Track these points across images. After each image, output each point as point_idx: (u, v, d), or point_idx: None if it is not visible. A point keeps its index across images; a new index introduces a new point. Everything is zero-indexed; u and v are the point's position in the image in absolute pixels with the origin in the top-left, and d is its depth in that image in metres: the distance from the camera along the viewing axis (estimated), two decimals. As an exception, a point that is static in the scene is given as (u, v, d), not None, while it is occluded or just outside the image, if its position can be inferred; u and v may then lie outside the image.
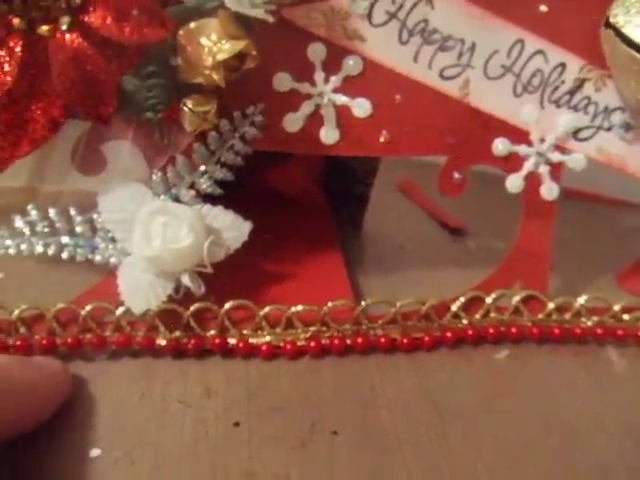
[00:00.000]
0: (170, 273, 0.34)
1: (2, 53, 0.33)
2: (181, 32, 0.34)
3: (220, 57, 0.33)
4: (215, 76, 0.33)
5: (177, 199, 0.36)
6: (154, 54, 0.34)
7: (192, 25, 0.34)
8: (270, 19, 0.33)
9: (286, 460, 0.31)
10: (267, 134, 0.36)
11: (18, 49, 0.33)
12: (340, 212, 0.43)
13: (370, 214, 0.43)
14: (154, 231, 0.34)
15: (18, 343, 0.34)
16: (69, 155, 0.36)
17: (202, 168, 0.36)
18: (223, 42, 0.33)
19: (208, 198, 0.36)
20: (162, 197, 0.36)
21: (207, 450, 0.31)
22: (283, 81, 0.36)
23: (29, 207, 0.36)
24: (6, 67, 0.33)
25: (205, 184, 0.36)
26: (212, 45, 0.33)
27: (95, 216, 0.36)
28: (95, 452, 0.31)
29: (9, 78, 0.33)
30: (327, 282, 0.37)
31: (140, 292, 0.34)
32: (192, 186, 0.36)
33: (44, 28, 0.33)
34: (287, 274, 0.38)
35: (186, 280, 0.34)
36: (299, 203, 0.41)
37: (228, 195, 0.36)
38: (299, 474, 0.30)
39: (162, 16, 0.33)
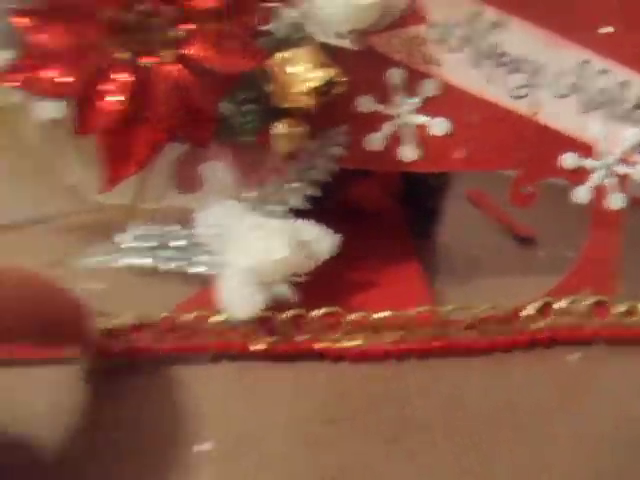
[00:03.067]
0: (266, 283, 0.37)
1: (112, 83, 0.37)
2: (273, 61, 0.37)
3: (312, 84, 0.36)
4: (307, 101, 0.36)
5: (269, 214, 0.39)
6: (248, 82, 0.37)
7: (283, 55, 0.37)
8: (354, 47, 0.36)
9: (381, 455, 0.33)
10: (351, 153, 0.39)
11: (126, 80, 0.36)
12: (413, 223, 0.46)
13: (441, 225, 0.46)
14: (252, 244, 0.37)
15: (127, 350, 0.37)
16: (168, 175, 0.39)
17: (292, 185, 0.39)
18: (314, 70, 0.36)
19: (296, 213, 0.39)
20: (255, 213, 0.38)
21: (306, 446, 0.33)
22: (366, 103, 0.39)
23: (134, 223, 0.39)
24: (116, 97, 0.36)
25: (295, 200, 0.39)
26: (304, 73, 0.36)
27: (192, 231, 0.39)
28: (205, 446, 0.34)
29: (120, 107, 0.36)
30: (408, 290, 0.40)
31: (239, 301, 0.37)
32: (283, 202, 0.39)
33: (148, 60, 0.37)
34: (369, 282, 0.40)
35: (281, 289, 0.37)
36: (375, 216, 0.44)
37: (312, 210, 0.39)
38: (394, 469, 0.33)
39: (254, 47, 0.37)
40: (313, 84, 0.35)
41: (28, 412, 0.35)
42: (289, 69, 0.36)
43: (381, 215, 0.45)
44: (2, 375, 0.37)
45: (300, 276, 0.37)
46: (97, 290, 0.41)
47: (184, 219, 0.39)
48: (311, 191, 0.39)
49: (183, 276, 0.39)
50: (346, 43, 0.36)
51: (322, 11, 0.37)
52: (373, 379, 0.37)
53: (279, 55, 0.36)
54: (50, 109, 0.37)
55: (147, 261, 0.39)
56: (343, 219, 0.39)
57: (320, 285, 0.38)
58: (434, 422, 0.35)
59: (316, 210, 0.39)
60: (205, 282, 0.39)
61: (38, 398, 0.36)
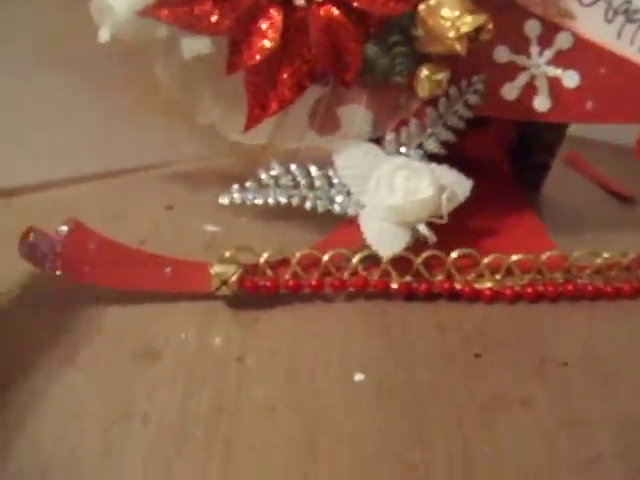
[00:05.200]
0: (408, 222, 0.38)
1: (265, 22, 0.37)
2: (422, 6, 0.38)
3: (464, 29, 0.36)
4: (457, 47, 0.37)
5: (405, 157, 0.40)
6: (395, 25, 0.38)
7: (432, 0, 0.38)
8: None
9: (527, 386, 0.34)
10: (486, 101, 0.40)
11: (279, 18, 0.37)
12: (522, 177, 0.47)
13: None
14: (397, 184, 0.38)
15: (268, 284, 0.38)
16: (306, 116, 0.40)
17: (429, 130, 0.40)
18: (464, 16, 0.37)
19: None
20: (393, 156, 0.39)
21: (457, 377, 0.34)
22: (502, 54, 0.40)
23: (272, 162, 0.40)
24: (269, 33, 0.37)
25: (432, 145, 0.40)
26: (454, 18, 0.37)
27: (331, 171, 0.40)
28: (359, 376, 0.35)
29: (272, 44, 0.37)
30: (533, 235, 0.41)
31: (385, 239, 0.38)
32: (420, 146, 0.40)
33: (300, 0, 0.37)
34: (492, 227, 0.42)
35: (423, 229, 0.38)
36: (486, 166, 0.45)
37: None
38: (542, 398, 0.34)
39: (407, -9, 0.37)
40: (464, 29, 0.36)
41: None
42: (439, 13, 0.37)
43: (492, 165, 0.46)
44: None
45: (445, 217, 0.38)
46: (238, 226, 0.42)
47: (324, 159, 0.40)
48: (448, 137, 0.40)
49: (321, 215, 0.40)
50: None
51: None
52: (509, 318, 0.38)
53: (427, 0, 0.37)
54: (197, 46, 0.38)
55: (285, 200, 0.39)
56: (456, 166, 0.40)
57: (451, 227, 0.39)
58: (571, 360, 0.36)
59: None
60: (342, 221, 0.40)
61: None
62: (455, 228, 0.40)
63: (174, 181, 0.47)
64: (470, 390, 0.34)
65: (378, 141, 0.40)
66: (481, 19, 0.37)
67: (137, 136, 0.46)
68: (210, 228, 0.43)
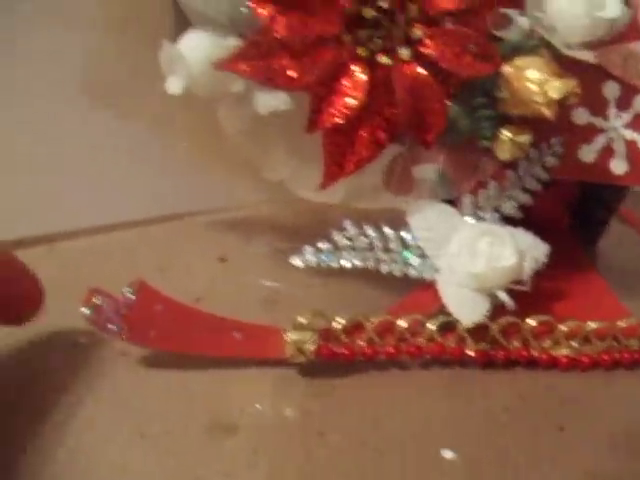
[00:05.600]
0: (486, 288, 0.37)
1: (348, 80, 0.36)
2: (507, 68, 0.37)
3: (554, 95, 0.36)
4: (546, 111, 0.36)
5: (480, 221, 0.39)
6: (478, 86, 0.37)
7: (518, 61, 0.37)
8: (592, 59, 0.37)
9: (615, 460, 0.33)
10: (563, 163, 0.39)
11: (364, 76, 0.36)
12: (579, 233, 0.47)
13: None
14: (480, 250, 0.37)
15: (345, 351, 0.37)
16: (381, 176, 0.39)
17: (507, 193, 0.39)
18: (552, 80, 0.36)
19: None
20: (469, 219, 0.38)
21: (546, 452, 0.34)
22: (582, 115, 0.39)
23: (346, 223, 0.38)
24: (353, 92, 0.36)
25: (509, 208, 0.39)
26: (542, 82, 0.36)
27: (405, 233, 0.39)
28: (447, 453, 0.33)
29: (356, 103, 0.36)
30: (603, 300, 0.41)
31: (466, 306, 0.36)
32: (496, 209, 0.39)
33: (385, 58, 0.36)
34: (565, 291, 0.41)
35: (503, 296, 0.37)
36: (545, 225, 0.44)
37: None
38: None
39: (493, 51, 0.36)
40: (554, 95, 0.36)
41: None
42: (526, 76, 0.36)
43: (552, 222, 0.45)
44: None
45: (527, 284, 0.37)
46: (295, 280, 0.40)
47: (398, 220, 0.38)
48: (525, 199, 0.39)
49: (394, 278, 0.38)
50: (581, 54, 0.37)
51: (559, 20, 0.37)
52: (588, 387, 0.38)
53: (516, 61, 0.36)
54: (274, 102, 0.36)
55: (361, 263, 0.38)
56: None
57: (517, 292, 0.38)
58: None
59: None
60: (416, 285, 0.39)
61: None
62: (525, 292, 0.39)
63: (225, 229, 0.45)
64: (561, 467, 0.33)
65: (452, 202, 0.39)
66: (570, 84, 0.36)
67: (186, 181, 0.44)
68: (267, 283, 0.42)
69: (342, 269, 0.38)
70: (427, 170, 0.38)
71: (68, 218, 0.42)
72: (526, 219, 0.41)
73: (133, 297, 0.36)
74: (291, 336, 0.36)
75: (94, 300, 0.35)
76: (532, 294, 0.39)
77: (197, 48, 0.36)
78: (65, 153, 0.41)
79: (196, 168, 0.42)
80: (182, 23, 0.38)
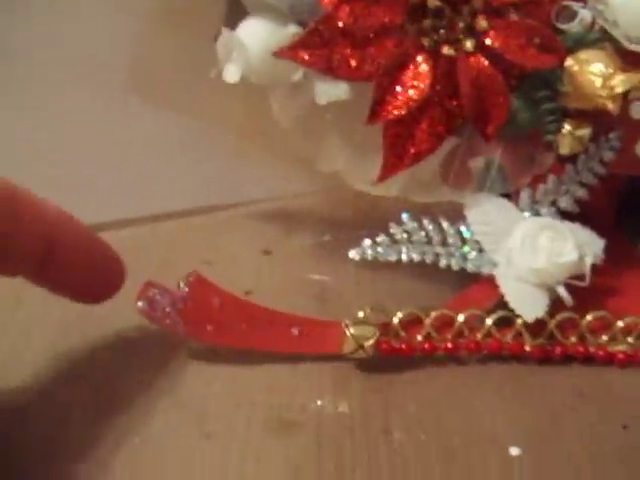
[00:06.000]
0: (546, 284, 0.37)
1: (412, 71, 0.35)
2: (570, 61, 0.36)
3: (619, 89, 0.35)
4: (610, 105, 0.36)
5: (538, 215, 0.38)
6: (541, 79, 0.37)
7: (582, 55, 0.36)
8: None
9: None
10: (620, 158, 0.39)
11: (427, 68, 0.35)
12: (626, 228, 0.46)
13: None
14: (541, 245, 0.36)
15: (403, 347, 0.36)
16: (438, 168, 0.38)
17: (564, 187, 0.38)
18: (617, 74, 0.36)
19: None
20: (526, 213, 0.38)
21: (611, 452, 0.33)
22: (639, 110, 0.39)
23: (404, 216, 0.38)
24: (417, 84, 0.35)
25: (567, 202, 0.38)
26: (607, 75, 0.36)
27: (463, 227, 0.38)
28: (515, 450, 0.33)
29: (420, 95, 0.35)
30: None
31: (527, 301, 0.36)
32: (552, 203, 0.38)
33: (448, 49, 0.35)
34: (618, 285, 0.41)
35: (562, 291, 0.37)
36: (591, 216, 0.44)
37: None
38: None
39: (557, 44, 0.36)
40: (620, 88, 0.35)
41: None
42: (590, 70, 0.36)
43: (597, 214, 0.44)
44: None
45: (587, 280, 0.37)
46: (344, 274, 0.40)
47: (455, 214, 0.38)
48: (582, 194, 0.38)
49: (452, 273, 0.38)
50: (642, 48, 0.36)
51: (621, 14, 0.36)
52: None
53: (579, 55, 0.36)
54: (334, 91, 0.35)
55: (419, 257, 0.37)
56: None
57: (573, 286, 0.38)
58: None
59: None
60: (474, 280, 0.38)
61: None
62: (581, 287, 0.38)
63: (269, 220, 0.44)
64: (626, 465, 0.33)
65: (508, 196, 0.39)
66: (635, 78, 0.35)
67: (229, 171, 0.43)
68: (317, 277, 0.41)
69: (394, 263, 0.38)
70: (485, 162, 0.38)
71: (114, 208, 0.41)
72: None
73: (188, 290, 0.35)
74: (352, 331, 0.35)
75: (149, 293, 0.34)
76: (588, 290, 0.38)
77: (256, 35, 0.35)
78: (111, 143, 0.40)
79: (244, 159, 0.41)
80: (235, 12, 0.37)
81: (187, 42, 0.38)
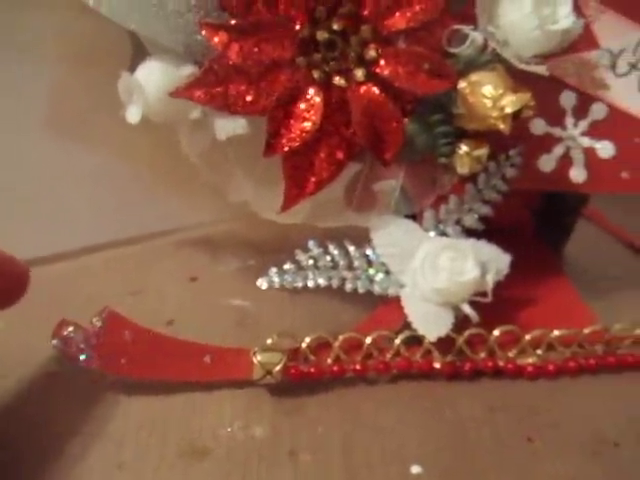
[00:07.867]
0: (451, 302, 0.38)
1: (304, 103, 0.36)
2: (462, 84, 0.37)
3: (509, 109, 0.36)
4: (501, 125, 0.36)
5: (443, 234, 0.39)
6: (434, 103, 0.37)
7: (473, 77, 0.37)
8: (546, 73, 0.37)
9: (582, 469, 0.34)
10: (523, 174, 0.40)
11: (319, 100, 0.36)
12: (545, 238, 0.47)
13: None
14: (441, 265, 0.37)
15: (312, 370, 0.37)
16: (342, 194, 0.39)
17: (467, 206, 0.39)
18: (507, 94, 0.36)
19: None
20: (431, 233, 0.39)
21: (515, 464, 0.34)
22: (539, 126, 0.40)
23: (310, 243, 0.39)
24: (310, 115, 0.36)
25: (471, 220, 0.39)
26: (497, 97, 0.36)
27: (368, 250, 0.39)
28: (416, 469, 0.34)
29: (312, 126, 0.36)
30: (570, 307, 0.41)
31: (431, 321, 0.37)
32: (457, 222, 0.39)
33: (339, 79, 0.36)
34: (532, 299, 0.41)
35: (467, 309, 0.38)
36: (512, 231, 0.45)
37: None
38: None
39: (447, 69, 0.37)
40: (509, 109, 0.36)
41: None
42: (481, 92, 0.36)
43: (518, 228, 0.45)
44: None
45: (489, 296, 0.37)
46: (266, 299, 0.41)
47: (360, 238, 0.39)
48: (486, 211, 0.39)
49: (359, 295, 0.39)
50: (534, 67, 0.37)
51: (511, 35, 0.37)
52: (555, 395, 0.38)
53: (470, 77, 0.37)
54: (232, 126, 0.37)
55: (325, 282, 0.38)
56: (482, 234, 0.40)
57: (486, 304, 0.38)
58: (627, 435, 0.36)
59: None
60: (381, 301, 0.39)
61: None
62: (494, 302, 0.39)
63: (195, 248, 0.46)
64: (531, 478, 0.34)
65: (413, 217, 0.40)
66: (525, 98, 0.36)
67: (153, 201, 0.44)
68: (238, 302, 0.42)
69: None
70: (387, 186, 0.39)
71: (37, 245, 0.42)
72: (493, 227, 0.41)
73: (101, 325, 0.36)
74: (259, 358, 0.36)
75: (64, 331, 0.36)
76: (501, 304, 0.39)
77: (153, 77, 0.37)
78: (31, 181, 0.42)
79: (159, 191, 0.42)
80: (140, 53, 0.38)
81: (99, 81, 0.39)
